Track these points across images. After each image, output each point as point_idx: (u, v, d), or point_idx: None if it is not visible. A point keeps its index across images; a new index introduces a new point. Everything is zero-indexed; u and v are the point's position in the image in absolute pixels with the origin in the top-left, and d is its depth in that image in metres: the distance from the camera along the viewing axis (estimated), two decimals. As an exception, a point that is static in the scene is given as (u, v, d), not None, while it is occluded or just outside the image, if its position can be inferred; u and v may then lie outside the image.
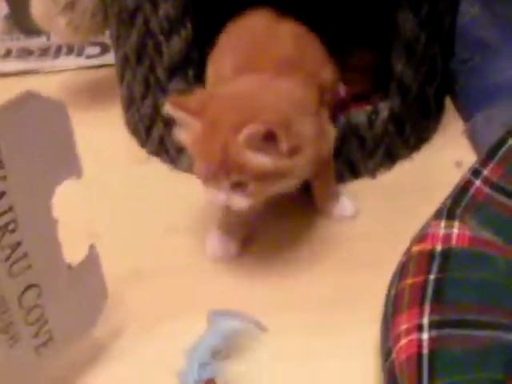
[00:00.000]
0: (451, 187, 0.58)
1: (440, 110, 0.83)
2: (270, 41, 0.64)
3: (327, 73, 0.67)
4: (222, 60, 0.66)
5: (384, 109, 0.73)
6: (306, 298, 0.63)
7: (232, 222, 0.65)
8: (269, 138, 0.50)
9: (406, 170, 0.77)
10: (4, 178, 0.47)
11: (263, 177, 0.51)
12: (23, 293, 0.52)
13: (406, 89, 0.74)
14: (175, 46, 0.74)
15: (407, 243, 0.57)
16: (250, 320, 0.59)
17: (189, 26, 0.73)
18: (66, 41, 0.98)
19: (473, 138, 0.78)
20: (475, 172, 0.57)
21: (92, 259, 0.56)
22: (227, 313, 0.59)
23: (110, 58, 0.93)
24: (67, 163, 0.51)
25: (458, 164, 0.75)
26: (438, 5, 0.71)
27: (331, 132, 0.65)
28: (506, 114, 0.73)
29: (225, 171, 0.51)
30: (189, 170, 0.69)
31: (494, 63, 0.79)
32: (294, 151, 0.52)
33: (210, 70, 0.69)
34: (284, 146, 0.50)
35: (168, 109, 0.54)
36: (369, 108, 0.73)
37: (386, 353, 0.51)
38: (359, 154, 0.74)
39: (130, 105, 0.84)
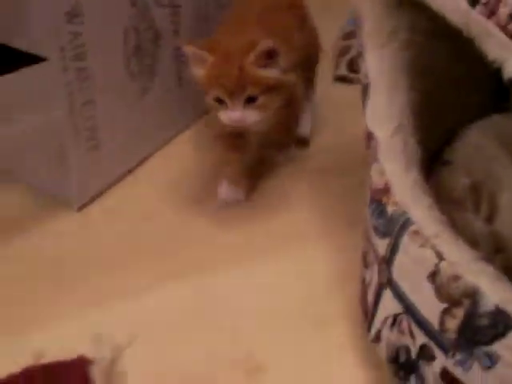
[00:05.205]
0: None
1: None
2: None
3: None
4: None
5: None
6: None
7: (238, 170, 0.73)
8: (271, 56, 0.63)
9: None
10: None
11: (270, 89, 0.64)
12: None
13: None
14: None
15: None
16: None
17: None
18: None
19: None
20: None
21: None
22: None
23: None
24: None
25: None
26: None
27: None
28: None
29: (241, 87, 0.62)
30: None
31: None
32: (288, 69, 0.66)
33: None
34: (283, 61, 0.65)
35: (185, 50, 0.65)
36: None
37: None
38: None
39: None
